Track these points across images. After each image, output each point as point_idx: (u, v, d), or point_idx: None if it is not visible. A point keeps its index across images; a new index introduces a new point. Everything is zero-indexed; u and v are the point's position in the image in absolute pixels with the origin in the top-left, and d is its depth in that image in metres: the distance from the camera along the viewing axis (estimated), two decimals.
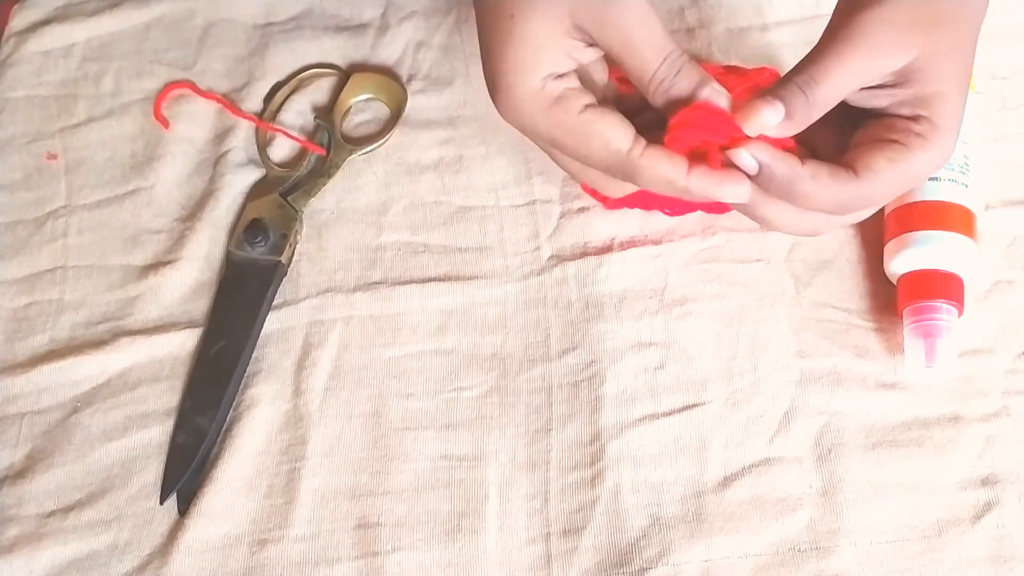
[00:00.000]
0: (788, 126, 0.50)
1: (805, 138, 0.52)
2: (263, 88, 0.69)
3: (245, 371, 0.60)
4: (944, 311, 0.56)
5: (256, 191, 0.65)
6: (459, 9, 0.70)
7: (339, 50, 0.70)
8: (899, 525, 0.54)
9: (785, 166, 0.50)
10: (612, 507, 0.55)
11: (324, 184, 0.65)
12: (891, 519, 0.54)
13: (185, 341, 0.61)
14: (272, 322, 0.62)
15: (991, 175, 0.61)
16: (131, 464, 0.59)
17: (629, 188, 0.56)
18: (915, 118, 0.50)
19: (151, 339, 0.61)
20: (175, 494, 0.58)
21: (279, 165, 0.66)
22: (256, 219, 0.63)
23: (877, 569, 0.53)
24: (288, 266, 0.63)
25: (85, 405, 0.60)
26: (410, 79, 0.68)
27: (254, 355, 0.61)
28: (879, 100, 0.51)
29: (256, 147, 0.67)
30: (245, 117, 0.68)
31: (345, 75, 0.69)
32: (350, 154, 0.66)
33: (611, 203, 0.62)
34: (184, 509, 0.57)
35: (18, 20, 0.72)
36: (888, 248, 0.58)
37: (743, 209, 0.53)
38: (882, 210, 0.59)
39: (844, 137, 0.52)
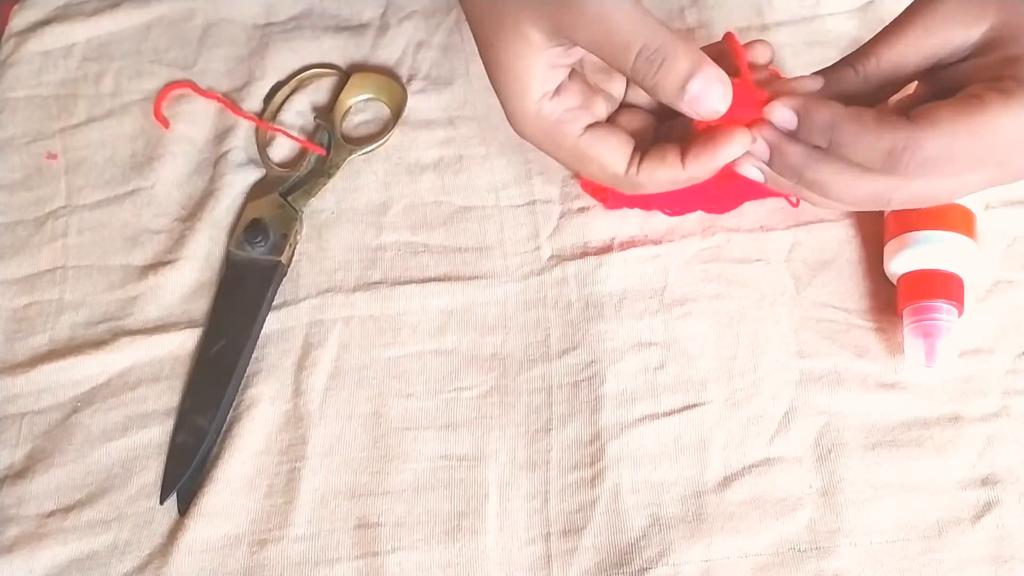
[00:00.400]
0: (836, 94, 0.49)
1: None
2: (263, 88, 0.69)
3: (245, 371, 0.60)
4: (944, 311, 0.56)
5: (256, 191, 0.65)
6: (459, 9, 0.70)
7: (339, 50, 0.70)
8: (899, 525, 0.54)
9: (825, 110, 0.47)
10: (612, 507, 0.55)
11: (324, 184, 0.65)
12: (891, 519, 0.54)
13: (185, 341, 0.61)
14: (272, 322, 0.62)
15: None
16: (131, 464, 0.59)
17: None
18: (999, 78, 0.46)
19: (151, 339, 0.61)
20: (175, 494, 0.58)
21: (279, 165, 0.66)
22: (256, 219, 0.63)
23: (877, 569, 0.53)
24: (288, 266, 0.63)
25: (85, 405, 0.60)
26: (410, 79, 0.68)
27: (254, 355, 0.61)
28: (963, 75, 0.48)
29: (256, 147, 0.67)
30: (245, 117, 0.68)
31: (345, 75, 0.69)
32: (350, 154, 0.66)
33: (611, 203, 0.62)
34: (184, 509, 0.57)
35: (18, 20, 0.72)
36: (888, 248, 0.58)
37: (795, 172, 0.49)
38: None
39: None
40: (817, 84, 0.49)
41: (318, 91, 0.69)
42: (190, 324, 0.62)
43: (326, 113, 0.68)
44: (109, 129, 0.68)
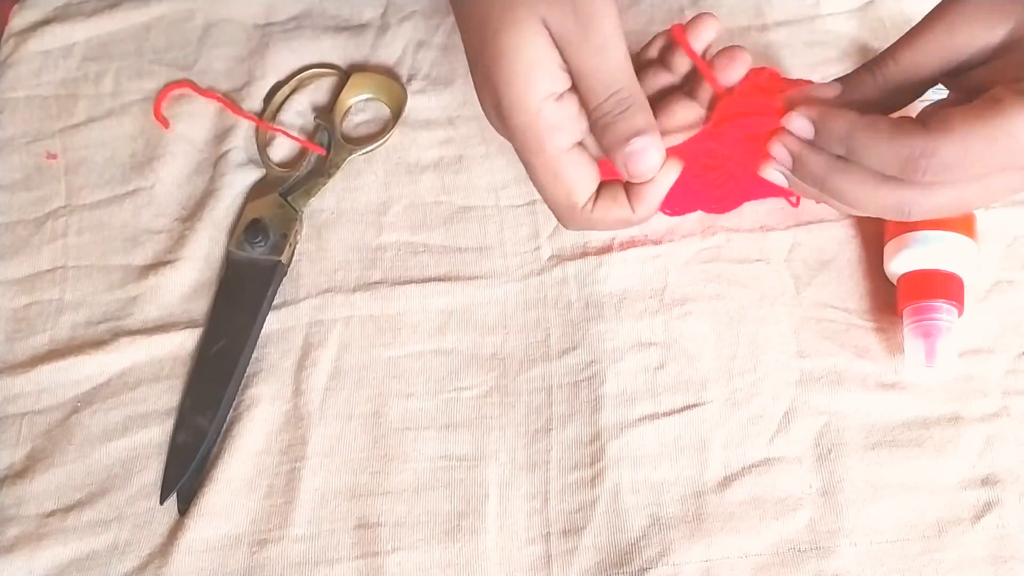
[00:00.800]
0: (854, 100, 0.48)
1: None
2: (263, 88, 0.69)
3: (245, 371, 0.60)
4: (944, 311, 0.56)
5: (256, 191, 0.65)
6: None
7: (339, 50, 0.70)
8: (899, 525, 0.54)
9: (841, 118, 0.47)
10: (612, 507, 0.55)
11: (324, 184, 0.65)
12: (891, 519, 0.54)
13: (185, 341, 0.61)
14: (272, 322, 0.62)
15: None
16: (131, 464, 0.59)
17: None
18: (1019, 79, 0.45)
19: (151, 339, 0.61)
20: (175, 494, 0.58)
21: (279, 165, 0.66)
22: (256, 219, 0.63)
23: (877, 569, 0.53)
24: (288, 266, 0.63)
25: (85, 405, 0.60)
26: (410, 79, 0.68)
27: (254, 355, 0.61)
28: (986, 77, 0.47)
29: (256, 147, 0.67)
30: (245, 117, 0.68)
31: (345, 75, 0.69)
32: (350, 154, 0.66)
33: None
34: (184, 509, 0.57)
35: (18, 20, 0.72)
36: (888, 248, 0.58)
37: (816, 180, 0.49)
38: None
39: None
40: (835, 91, 0.49)
41: (318, 91, 0.69)
42: (190, 324, 0.62)
43: (326, 113, 0.68)
44: (109, 129, 0.68)
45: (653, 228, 0.62)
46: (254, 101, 0.68)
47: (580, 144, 0.51)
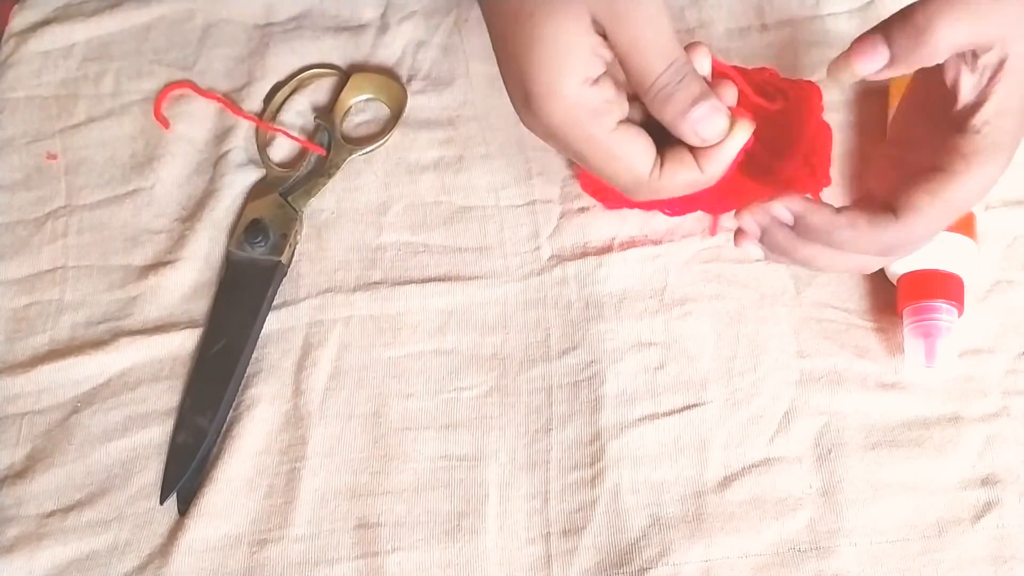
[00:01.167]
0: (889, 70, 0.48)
1: (861, 192, 0.51)
2: (263, 88, 0.69)
3: (245, 371, 0.60)
4: (944, 311, 0.56)
5: (256, 191, 0.65)
6: (459, 9, 0.70)
7: (339, 50, 0.70)
8: (899, 525, 0.54)
9: (821, 216, 0.49)
10: (612, 507, 0.55)
11: (324, 184, 0.65)
12: (891, 519, 0.54)
13: (185, 341, 0.61)
14: (272, 322, 0.62)
15: None
16: (131, 464, 0.59)
17: None
18: (964, 131, 0.47)
19: (151, 339, 0.61)
20: (175, 494, 0.58)
21: (279, 165, 0.66)
22: (256, 219, 0.63)
23: (877, 569, 0.53)
24: (288, 266, 0.63)
25: (85, 405, 0.60)
26: (410, 79, 0.68)
27: (254, 355, 0.61)
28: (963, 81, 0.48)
29: (256, 147, 0.67)
30: (245, 117, 0.68)
31: (345, 75, 0.69)
32: (350, 154, 0.66)
33: (611, 203, 0.62)
34: (184, 509, 0.57)
35: (18, 20, 0.72)
36: None
37: (784, 252, 0.51)
38: None
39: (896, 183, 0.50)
40: (797, 208, 0.50)
41: (318, 91, 0.69)
42: (190, 324, 0.62)
43: (326, 113, 0.68)
44: (109, 129, 0.68)
45: (653, 228, 0.62)
46: (254, 101, 0.68)
47: (627, 121, 0.50)
